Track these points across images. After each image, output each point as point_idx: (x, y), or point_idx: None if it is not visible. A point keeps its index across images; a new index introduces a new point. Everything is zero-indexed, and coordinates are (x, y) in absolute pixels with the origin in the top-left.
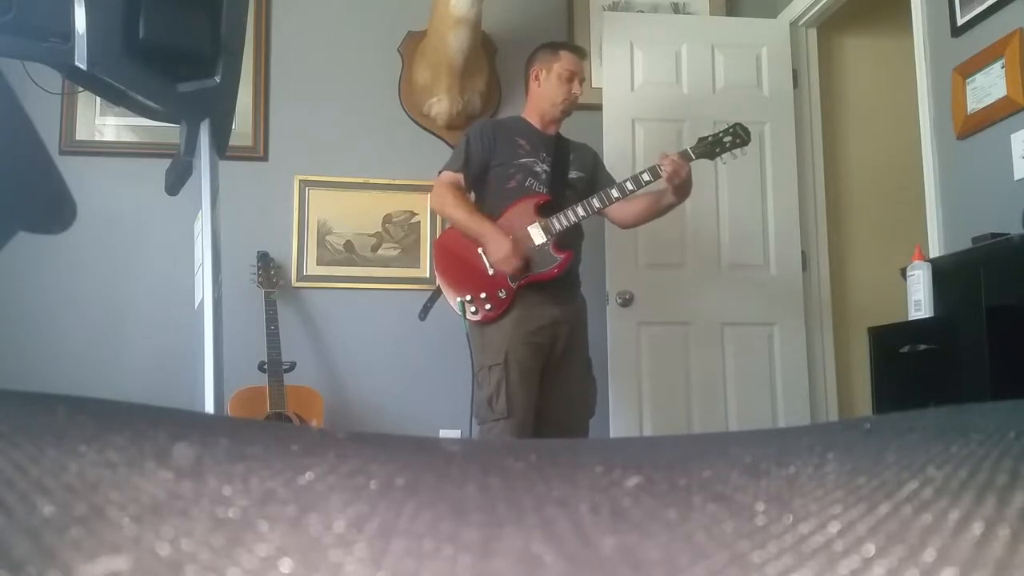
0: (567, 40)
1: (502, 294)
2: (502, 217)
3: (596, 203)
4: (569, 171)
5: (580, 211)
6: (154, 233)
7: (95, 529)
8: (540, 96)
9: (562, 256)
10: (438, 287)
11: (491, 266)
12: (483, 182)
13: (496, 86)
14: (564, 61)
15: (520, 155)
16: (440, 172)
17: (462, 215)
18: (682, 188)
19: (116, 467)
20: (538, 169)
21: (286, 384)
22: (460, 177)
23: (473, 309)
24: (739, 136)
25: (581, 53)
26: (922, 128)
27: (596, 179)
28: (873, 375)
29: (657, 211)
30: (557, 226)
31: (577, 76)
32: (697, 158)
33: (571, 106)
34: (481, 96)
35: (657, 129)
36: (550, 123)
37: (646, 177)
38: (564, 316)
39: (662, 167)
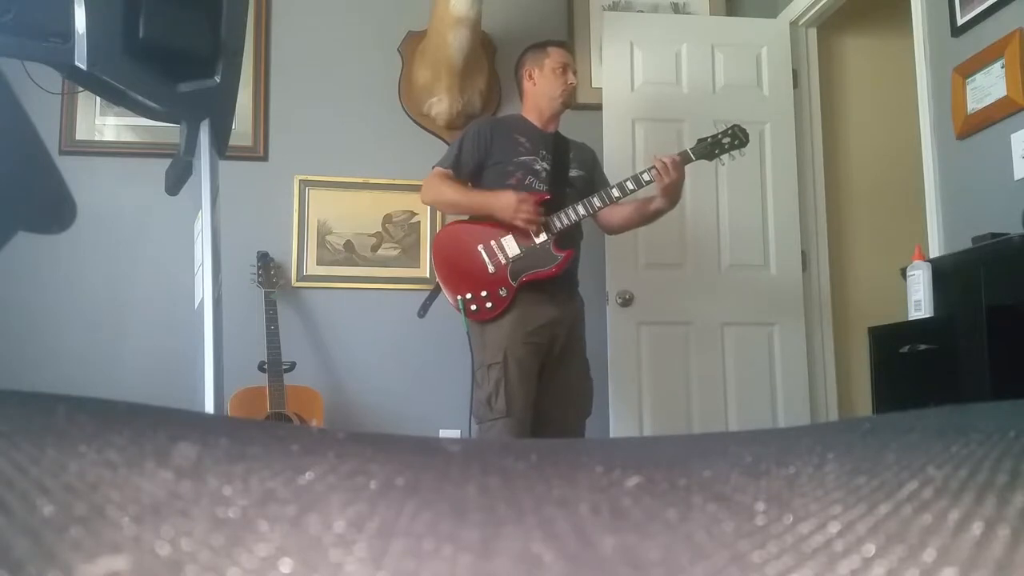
0: (565, 40)
1: (503, 292)
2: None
3: (597, 202)
4: (569, 169)
5: (581, 210)
6: (154, 233)
7: (95, 529)
8: (538, 93)
9: (562, 255)
10: (437, 284)
11: (511, 221)
12: (481, 180)
13: (496, 86)
14: (554, 55)
15: (520, 153)
16: (433, 167)
17: (459, 196)
18: (671, 192)
19: (116, 467)
20: (538, 167)
21: (286, 384)
22: (450, 173)
23: (474, 307)
24: (737, 137)
25: (568, 47)
26: (922, 128)
27: (594, 178)
28: (873, 375)
29: (644, 216)
30: (558, 224)
31: (569, 67)
32: (697, 159)
33: (570, 97)
34: (481, 96)
35: (657, 129)
36: (550, 120)
37: (647, 177)
38: (562, 316)
39: (653, 168)
